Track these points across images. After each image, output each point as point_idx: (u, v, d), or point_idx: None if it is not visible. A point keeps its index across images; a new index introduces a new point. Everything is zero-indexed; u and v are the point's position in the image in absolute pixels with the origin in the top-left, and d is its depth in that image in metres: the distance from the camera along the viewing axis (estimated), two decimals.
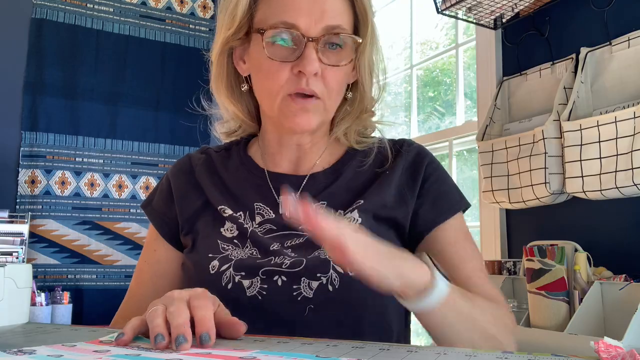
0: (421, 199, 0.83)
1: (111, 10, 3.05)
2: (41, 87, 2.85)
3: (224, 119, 0.93)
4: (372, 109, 0.88)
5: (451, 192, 0.85)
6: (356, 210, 0.80)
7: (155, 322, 0.53)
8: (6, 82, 2.79)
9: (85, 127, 2.94)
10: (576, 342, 1.26)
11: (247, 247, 0.78)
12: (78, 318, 2.74)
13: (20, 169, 2.79)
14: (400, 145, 0.87)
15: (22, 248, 2.55)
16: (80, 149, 2.93)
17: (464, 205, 0.85)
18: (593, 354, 0.49)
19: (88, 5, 3.00)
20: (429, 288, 0.61)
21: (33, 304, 2.51)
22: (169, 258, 0.88)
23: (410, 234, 0.83)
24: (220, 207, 0.83)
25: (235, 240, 0.79)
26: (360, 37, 0.80)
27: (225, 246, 0.79)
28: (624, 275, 1.38)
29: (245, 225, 0.80)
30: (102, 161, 2.98)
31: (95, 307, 2.80)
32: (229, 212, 0.82)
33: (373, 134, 0.91)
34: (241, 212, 0.82)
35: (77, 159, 2.92)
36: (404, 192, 0.83)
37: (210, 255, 0.78)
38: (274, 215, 0.81)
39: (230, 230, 0.81)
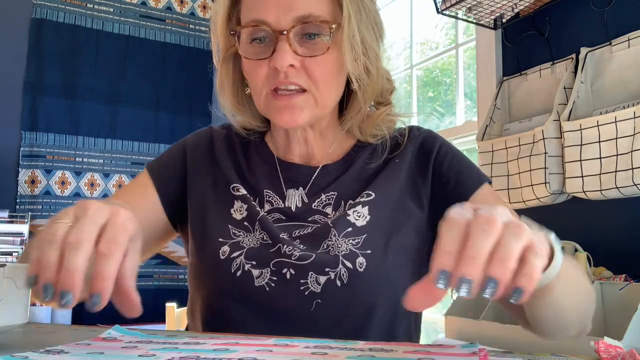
0: (443, 182, 0.80)
1: (111, 10, 3.05)
2: (41, 87, 2.85)
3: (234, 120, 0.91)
4: (389, 100, 0.85)
5: (472, 167, 0.83)
6: (367, 207, 0.78)
7: (46, 257, 0.45)
8: (6, 82, 2.79)
9: (85, 127, 2.94)
10: (576, 342, 1.25)
11: (256, 230, 0.78)
12: (78, 318, 2.74)
13: (20, 169, 2.79)
14: (409, 130, 0.86)
15: (22, 248, 2.55)
16: (80, 149, 2.93)
17: (487, 179, 0.82)
18: (593, 354, 0.49)
19: (88, 5, 2.99)
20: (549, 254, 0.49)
21: (33, 304, 2.50)
22: (152, 209, 0.85)
23: (436, 220, 0.79)
24: (233, 185, 0.82)
25: (245, 223, 0.79)
26: (339, 21, 0.75)
27: (236, 231, 0.78)
28: (624, 275, 1.38)
29: (257, 208, 0.80)
30: (102, 161, 2.98)
31: None
32: (242, 191, 0.82)
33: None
34: (251, 196, 0.82)
35: (77, 159, 2.92)
36: (415, 179, 0.81)
37: (220, 239, 0.78)
38: (282, 205, 0.81)
39: (240, 211, 0.80)
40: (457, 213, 0.45)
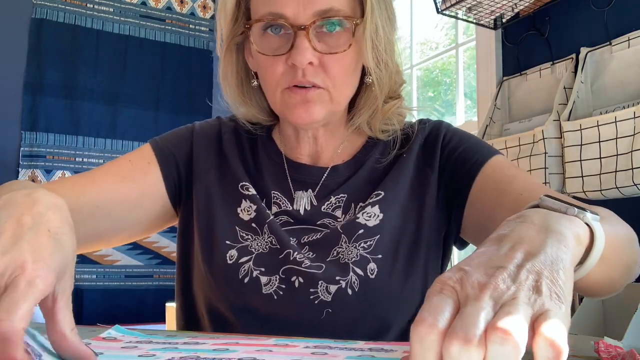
0: (450, 163, 0.77)
1: (111, 10, 3.05)
2: (41, 87, 2.85)
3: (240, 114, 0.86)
4: (399, 94, 0.81)
5: (479, 144, 0.79)
6: (377, 206, 0.75)
7: None
8: (6, 82, 2.79)
9: (85, 127, 2.94)
10: (576, 342, 1.25)
11: (265, 233, 0.75)
12: (78, 318, 2.71)
13: (20, 169, 2.79)
14: (418, 123, 0.83)
15: None
16: (80, 149, 2.93)
17: (496, 152, 0.78)
18: (593, 354, 0.49)
19: (88, 5, 2.99)
20: (589, 240, 0.45)
21: None
22: (156, 190, 0.80)
23: (452, 204, 0.77)
24: (242, 183, 0.79)
25: (253, 225, 0.76)
26: (361, 14, 0.72)
27: (244, 234, 0.76)
28: None
29: (267, 211, 0.76)
30: (102, 161, 2.97)
31: (95, 307, 2.80)
32: (252, 191, 0.78)
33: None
34: (258, 197, 0.78)
35: (77, 159, 2.92)
36: (424, 170, 0.78)
37: (227, 242, 0.75)
38: (290, 208, 0.77)
39: (247, 211, 0.77)
40: (438, 287, 0.37)
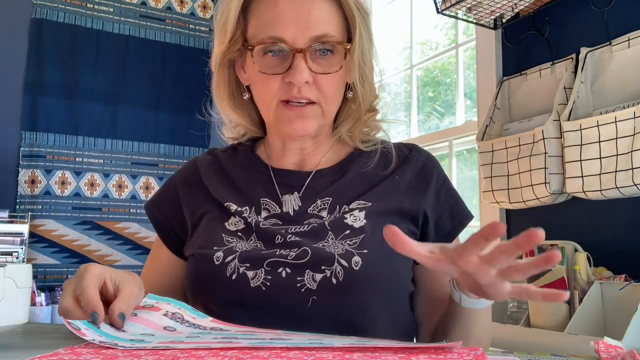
0: (440, 209, 0.85)
1: (111, 10, 3.05)
2: (41, 87, 2.85)
3: (231, 124, 0.96)
4: (375, 107, 0.90)
5: (462, 202, 0.89)
6: (364, 212, 0.81)
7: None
8: (6, 82, 2.79)
9: (85, 127, 2.94)
10: (576, 342, 1.26)
11: (251, 240, 0.80)
12: None
13: (20, 169, 2.79)
14: (409, 151, 0.89)
15: (22, 248, 2.55)
16: (80, 149, 2.93)
17: (472, 216, 0.89)
18: (593, 354, 0.49)
19: (88, 5, 3.00)
20: None
21: (33, 304, 2.51)
22: (170, 260, 0.91)
23: (425, 237, 0.85)
24: (226, 203, 0.85)
25: (239, 233, 0.81)
26: (351, 39, 0.82)
27: (229, 239, 0.81)
28: (624, 275, 1.38)
29: (249, 220, 0.82)
30: (102, 161, 2.98)
31: None
32: (234, 207, 0.84)
33: (378, 134, 0.93)
34: (247, 207, 0.84)
35: (77, 159, 2.92)
36: (414, 194, 0.85)
37: (215, 247, 0.80)
38: (279, 210, 0.83)
39: (235, 224, 0.83)
40: None
